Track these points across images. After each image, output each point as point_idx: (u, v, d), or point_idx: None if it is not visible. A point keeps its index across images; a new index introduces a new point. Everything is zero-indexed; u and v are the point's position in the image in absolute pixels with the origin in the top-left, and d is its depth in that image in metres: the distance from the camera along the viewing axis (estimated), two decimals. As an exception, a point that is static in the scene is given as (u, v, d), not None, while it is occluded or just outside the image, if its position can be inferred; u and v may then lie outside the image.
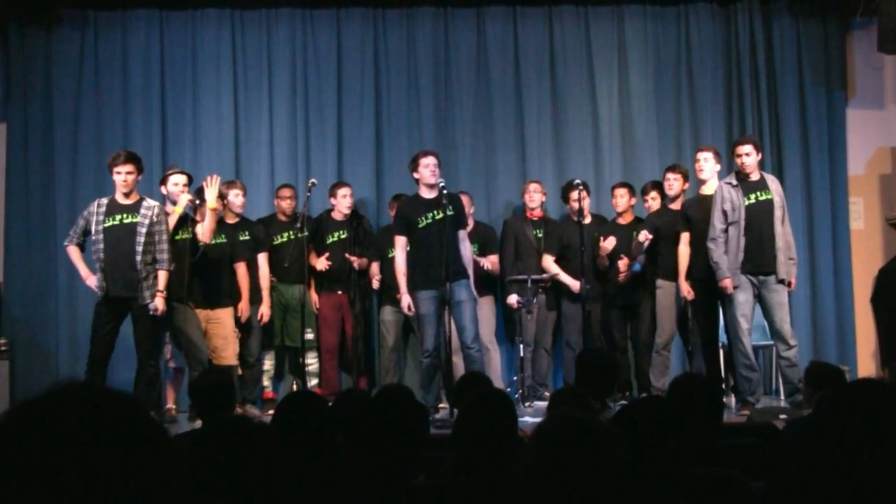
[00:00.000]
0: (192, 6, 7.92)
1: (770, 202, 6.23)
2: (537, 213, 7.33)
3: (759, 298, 6.26)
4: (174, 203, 6.37)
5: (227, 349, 6.63)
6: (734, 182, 6.30)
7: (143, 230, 6.02)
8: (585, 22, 8.10)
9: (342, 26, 8.00)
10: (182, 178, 6.42)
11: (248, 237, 6.92)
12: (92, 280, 6.08)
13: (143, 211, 6.05)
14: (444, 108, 8.00)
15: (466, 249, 6.33)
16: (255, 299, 6.90)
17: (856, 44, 8.13)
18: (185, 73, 7.87)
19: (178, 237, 6.31)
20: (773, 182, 6.36)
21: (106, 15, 7.87)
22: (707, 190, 6.63)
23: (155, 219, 6.07)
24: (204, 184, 6.37)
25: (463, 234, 6.31)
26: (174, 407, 6.67)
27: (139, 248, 5.99)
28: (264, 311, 6.85)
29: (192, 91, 7.85)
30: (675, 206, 6.87)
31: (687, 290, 6.52)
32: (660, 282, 6.75)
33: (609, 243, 6.83)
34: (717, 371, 6.58)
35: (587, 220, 6.86)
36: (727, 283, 6.18)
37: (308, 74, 7.95)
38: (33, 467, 0.91)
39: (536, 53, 8.07)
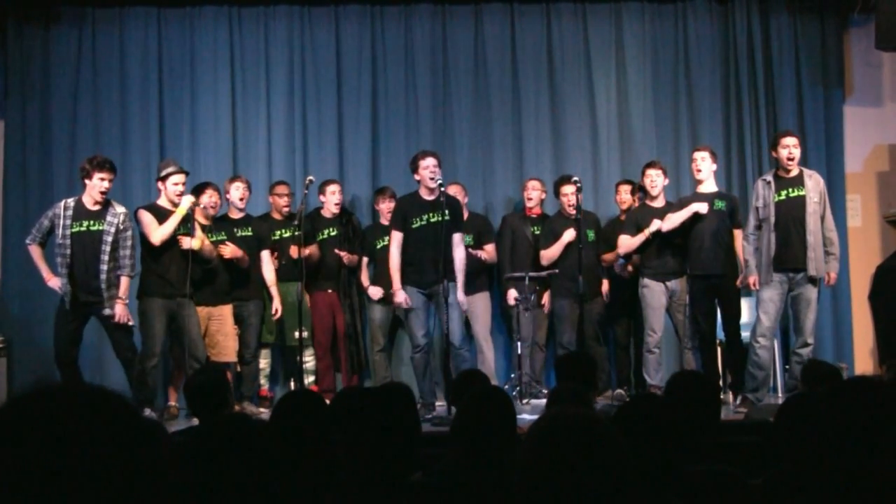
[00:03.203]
0: (190, 3, 7.92)
1: (802, 198, 6.17)
2: (536, 210, 7.34)
3: (791, 294, 6.25)
4: (171, 202, 6.37)
5: (228, 346, 6.65)
6: (768, 178, 6.30)
7: (109, 238, 6.02)
8: (583, 19, 8.11)
9: (340, 23, 8.00)
10: (181, 178, 6.41)
11: (249, 233, 6.92)
12: (55, 282, 6.04)
13: (108, 218, 6.04)
14: (441, 106, 8.00)
15: (460, 253, 6.26)
16: (257, 296, 6.91)
17: (853, 41, 8.14)
18: (183, 71, 7.87)
19: (180, 232, 6.31)
20: (810, 178, 6.25)
21: (104, 12, 7.86)
22: (704, 188, 6.63)
23: (121, 226, 6.07)
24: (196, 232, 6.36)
25: (458, 239, 6.27)
26: (175, 405, 6.67)
27: (104, 257, 6.00)
28: (277, 306, 6.84)
29: (189, 88, 7.85)
30: (657, 202, 6.83)
31: (698, 207, 6.41)
32: (646, 281, 6.70)
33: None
34: (714, 368, 6.59)
35: (581, 215, 6.83)
36: (751, 279, 6.22)
37: (306, 71, 7.95)
38: (21, 466, 0.91)
39: (534, 51, 8.07)
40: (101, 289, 5.99)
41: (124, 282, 6.09)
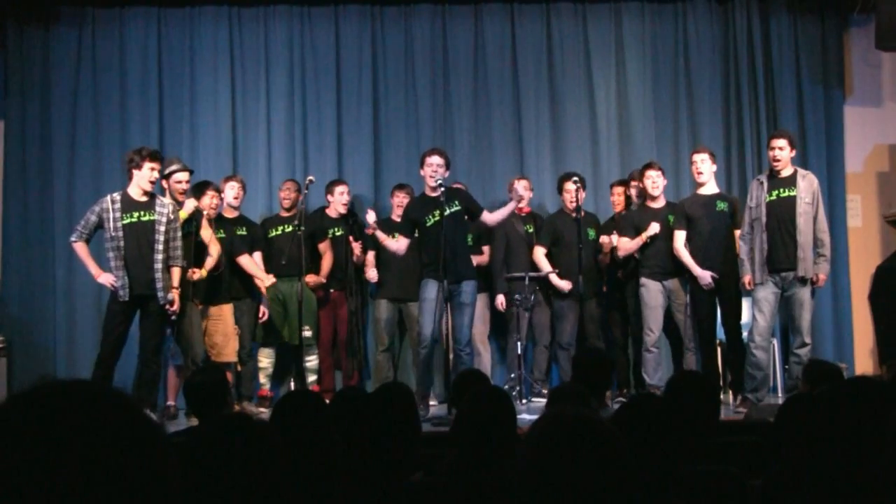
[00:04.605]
0: (190, 3, 7.92)
1: (793, 199, 6.18)
2: (526, 209, 7.33)
3: (784, 295, 6.26)
4: (174, 199, 6.38)
5: (228, 346, 6.65)
6: (762, 178, 6.34)
7: (162, 228, 5.98)
8: (583, 19, 8.11)
9: (340, 23, 8.00)
10: (185, 176, 6.42)
11: (244, 233, 6.94)
12: (106, 277, 5.93)
13: (158, 209, 6.00)
14: (441, 105, 8.00)
15: (492, 216, 6.37)
16: (250, 296, 6.91)
17: (853, 41, 8.13)
18: (183, 71, 7.87)
19: (182, 232, 6.32)
20: (804, 179, 6.26)
21: (104, 12, 7.87)
22: (705, 190, 6.63)
23: (171, 216, 6.05)
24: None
25: (484, 214, 6.35)
26: (174, 404, 6.67)
27: (159, 247, 5.96)
28: (265, 309, 6.85)
29: (189, 88, 7.85)
30: (658, 203, 6.81)
31: (709, 277, 6.45)
32: (643, 280, 6.71)
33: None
34: (714, 368, 6.59)
35: (581, 214, 6.84)
36: (746, 279, 6.26)
37: (306, 72, 7.95)
38: (21, 464, 0.90)
39: (534, 50, 8.07)
40: (154, 280, 5.94)
41: (178, 272, 6.08)
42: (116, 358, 5.97)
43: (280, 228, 7.12)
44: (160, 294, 5.94)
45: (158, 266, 5.95)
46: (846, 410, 2.06)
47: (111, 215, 5.92)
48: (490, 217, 6.38)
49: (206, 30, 7.91)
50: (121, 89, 7.80)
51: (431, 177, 6.19)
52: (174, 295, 6.02)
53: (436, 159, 6.22)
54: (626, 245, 6.77)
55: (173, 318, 6.10)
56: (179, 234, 6.11)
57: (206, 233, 6.45)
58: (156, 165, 5.98)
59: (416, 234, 6.40)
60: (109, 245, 5.93)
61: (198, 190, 6.63)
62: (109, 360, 5.91)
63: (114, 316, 5.95)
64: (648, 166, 6.87)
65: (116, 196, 6.00)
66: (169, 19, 7.91)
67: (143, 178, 5.95)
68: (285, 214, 7.22)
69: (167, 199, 6.17)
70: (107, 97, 7.79)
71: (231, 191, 6.96)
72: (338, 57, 7.98)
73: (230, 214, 6.98)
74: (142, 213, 5.97)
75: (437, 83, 8.01)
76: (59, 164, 7.69)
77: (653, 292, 6.65)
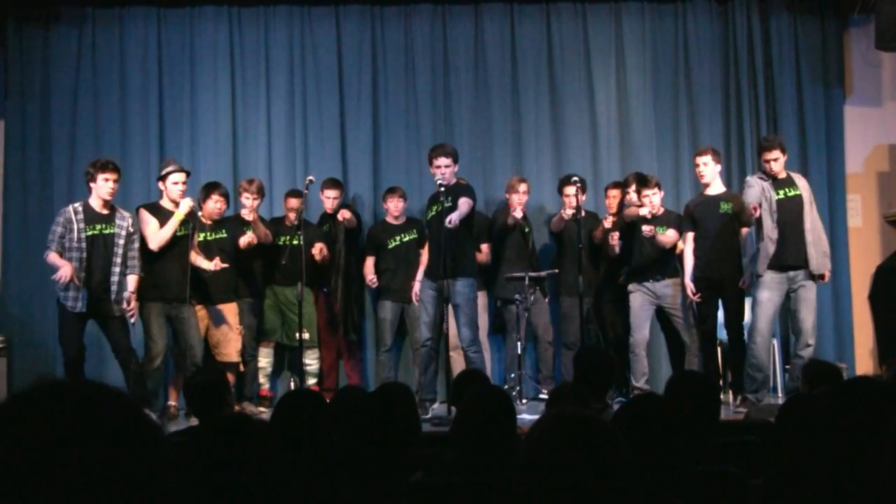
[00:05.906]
0: (190, 3, 7.91)
1: (799, 197, 6.27)
2: (521, 209, 7.32)
3: (790, 293, 6.26)
4: (172, 201, 6.38)
5: (230, 346, 6.64)
6: (764, 178, 6.36)
7: (121, 241, 6.05)
8: (583, 19, 8.11)
9: (340, 23, 8.00)
10: (181, 177, 6.42)
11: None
12: (65, 272, 5.80)
13: (118, 222, 6.07)
14: (441, 105, 8.00)
15: (463, 205, 6.07)
16: (250, 295, 6.90)
17: (853, 41, 8.13)
18: (183, 71, 7.87)
19: (179, 234, 6.31)
20: (800, 179, 6.41)
21: (103, 12, 7.86)
22: (711, 191, 6.61)
23: (131, 229, 6.12)
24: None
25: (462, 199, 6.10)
26: (175, 405, 6.66)
27: (117, 260, 6.03)
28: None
29: (189, 88, 7.85)
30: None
31: (691, 290, 6.48)
32: (631, 284, 6.70)
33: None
34: (714, 368, 6.58)
35: (582, 214, 6.83)
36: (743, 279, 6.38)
37: (306, 71, 7.95)
38: (21, 464, 0.90)
39: (534, 50, 8.07)
40: (110, 290, 6.00)
41: (134, 279, 6.12)
42: (83, 358, 6.06)
43: (282, 239, 7.05)
44: (116, 306, 6.00)
45: (115, 278, 6.02)
46: (846, 410, 2.06)
47: (75, 226, 5.96)
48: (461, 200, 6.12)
49: (206, 30, 7.91)
50: (121, 89, 7.80)
51: (440, 178, 6.15)
52: (131, 297, 6.06)
53: (442, 161, 6.19)
54: (632, 212, 6.63)
55: (132, 321, 6.14)
56: (136, 244, 6.15)
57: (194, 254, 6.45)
58: (110, 176, 6.02)
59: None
60: (73, 255, 5.94)
61: (204, 192, 6.64)
62: (77, 359, 5.99)
63: (68, 325, 5.99)
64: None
65: (79, 207, 6.06)
66: (169, 19, 7.91)
67: (99, 189, 6.02)
68: (287, 224, 7.15)
69: (127, 213, 6.20)
70: (107, 97, 7.79)
71: (247, 201, 6.83)
72: (338, 57, 7.97)
73: (245, 215, 6.94)
74: (103, 225, 6.03)
75: (437, 83, 8.00)
76: (59, 164, 7.68)
77: (636, 295, 6.65)
